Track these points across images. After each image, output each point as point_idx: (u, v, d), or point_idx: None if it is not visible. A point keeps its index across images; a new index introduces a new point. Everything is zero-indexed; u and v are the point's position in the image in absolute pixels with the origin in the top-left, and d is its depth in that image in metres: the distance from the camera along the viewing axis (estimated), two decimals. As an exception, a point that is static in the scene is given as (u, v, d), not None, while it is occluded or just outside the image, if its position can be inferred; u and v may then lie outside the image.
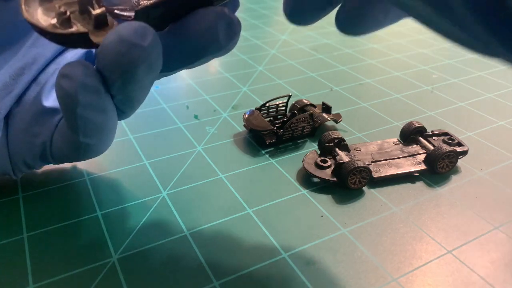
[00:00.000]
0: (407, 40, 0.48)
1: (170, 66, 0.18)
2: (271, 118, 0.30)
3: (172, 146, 0.28)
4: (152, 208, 0.22)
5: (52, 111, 0.20)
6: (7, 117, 0.20)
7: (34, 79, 0.20)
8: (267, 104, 0.29)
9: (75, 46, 0.16)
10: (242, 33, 0.50)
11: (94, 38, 0.15)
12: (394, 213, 0.22)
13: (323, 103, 0.30)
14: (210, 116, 0.32)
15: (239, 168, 0.26)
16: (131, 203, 0.23)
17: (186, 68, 0.19)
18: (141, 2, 0.17)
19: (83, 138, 0.18)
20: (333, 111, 0.31)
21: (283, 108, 0.30)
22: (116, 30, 0.15)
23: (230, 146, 0.28)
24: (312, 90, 0.36)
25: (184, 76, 0.38)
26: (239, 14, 0.57)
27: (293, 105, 0.30)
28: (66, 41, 0.15)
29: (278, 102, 0.30)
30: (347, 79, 0.38)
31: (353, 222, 0.22)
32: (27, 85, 0.20)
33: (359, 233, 0.21)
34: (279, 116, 0.30)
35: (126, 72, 0.16)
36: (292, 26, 0.52)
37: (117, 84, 0.16)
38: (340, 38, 0.48)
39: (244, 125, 0.29)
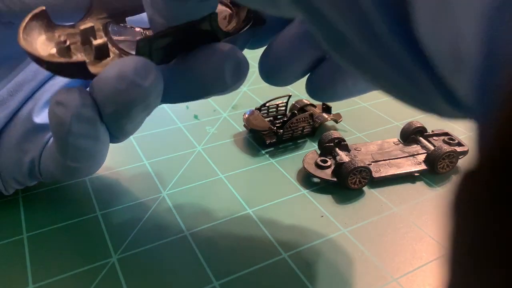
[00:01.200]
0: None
1: (171, 99, 0.17)
2: (271, 118, 0.30)
3: (172, 146, 0.28)
4: (152, 208, 0.22)
5: (43, 128, 0.19)
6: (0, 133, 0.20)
7: (31, 96, 0.20)
8: (267, 104, 0.29)
9: (72, 76, 0.15)
10: (242, 33, 0.50)
11: (93, 69, 0.15)
12: (394, 213, 0.22)
13: (323, 103, 0.30)
14: (210, 116, 0.31)
15: (239, 168, 0.26)
16: (131, 203, 0.23)
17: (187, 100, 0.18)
18: (147, 33, 0.17)
19: (71, 162, 0.17)
20: (333, 111, 0.31)
21: (283, 108, 0.30)
22: (116, 64, 0.14)
23: (230, 146, 0.28)
24: (312, 90, 0.36)
25: (184, 76, 0.38)
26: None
27: (293, 105, 0.30)
28: (63, 70, 0.15)
29: (278, 102, 0.30)
30: (347, 79, 0.38)
31: (353, 222, 0.22)
32: (23, 101, 0.20)
33: (359, 233, 0.21)
34: (279, 116, 0.30)
35: (121, 110, 0.15)
36: (292, 26, 0.52)
37: (111, 118, 0.16)
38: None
39: (244, 125, 0.29)
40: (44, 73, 0.20)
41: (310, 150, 0.27)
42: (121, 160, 0.26)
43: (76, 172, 0.18)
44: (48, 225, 0.21)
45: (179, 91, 0.17)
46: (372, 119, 0.31)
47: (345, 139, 0.26)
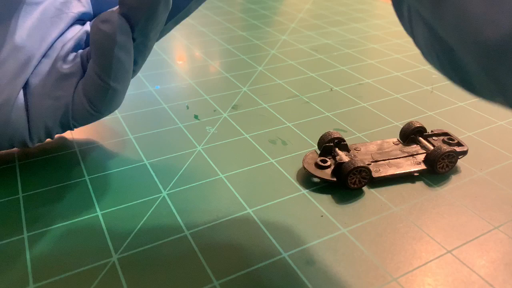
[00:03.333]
0: (407, 40, 0.48)
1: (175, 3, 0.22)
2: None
3: (172, 146, 0.28)
4: (152, 208, 0.22)
5: (69, 75, 0.23)
6: (25, 87, 0.22)
7: (45, 55, 0.23)
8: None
9: None
10: (242, 33, 0.50)
11: None
12: (394, 213, 0.22)
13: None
14: (210, 116, 0.32)
15: (239, 168, 0.26)
16: (131, 203, 0.23)
17: (176, 21, 0.23)
18: None
19: (113, 81, 0.21)
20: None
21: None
22: None
23: (230, 146, 0.28)
24: (312, 90, 0.36)
25: (184, 76, 0.38)
26: (239, 13, 0.57)
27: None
28: None
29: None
30: (347, 79, 0.38)
31: (353, 222, 0.22)
32: (40, 58, 0.23)
33: (359, 233, 0.21)
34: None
35: (151, 8, 0.19)
36: (292, 26, 0.52)
37: (140, 23, 0.20)
38: (340, 38, 0.48)
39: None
40: (50, 34, 0.23)
41: (310, 150, 0.27)
42: (121, 160, 0.26)
43: (114, 94, 0.22)
44: (48, 225, 0.21)
45: None
46: (371, 119, 0.31)
47: (345, 139, 0.26)
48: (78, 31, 0.24)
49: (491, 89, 0.10)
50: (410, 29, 0.13)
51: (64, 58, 0.23)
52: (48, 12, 0.23)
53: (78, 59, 0.23)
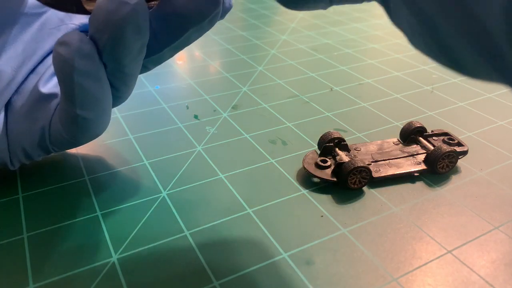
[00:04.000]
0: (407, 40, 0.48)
1: (158, 42, 0.19)
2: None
3: (172, 146, 0.28)
4: (152, 208, 0.22)
5: (49, 96, 0.21)
6: (6, 105, 0.21)
7: (33, 70, 0.21)
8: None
9: (67, 10, 0.18)
10: (242, 33, 0.50)
11: (87, 6, 0.18)
12: (394, 213, 0.22)
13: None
14: (210, 116, 0.32)
15: (239, 168, 0.26)
16: (131, 203, 0.23)
17: (173, 49, 0.20)
18: None
19: (80, 110, 0.19)
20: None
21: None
22: None
23: (230, 146, 0.28)
24: (312, 90, 0.36)
25: (184, 76, 0.38)
26: (239, 13, 0.57)
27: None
28: (60, 4, 0.17)
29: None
30: (347, 79, 0.38)
31: (353, 222, 0.22)
32: (26, 75, 0.21)
33: (359, 233, 0.21)
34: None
35: (116, 30, 0.17)
36: (292, 26, 0.52)
37: (107, 47, 0.18)
38: (340, 38, 0.48)
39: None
40: (43, 48, 0.21)
41: (310, 150, 0.27)
42: (121, 160, 0.26)
43: (86, 124, 0.20)
44: (48, 225, 0.21)
45: (163, 30, 0.19)
46: (372, 119, 0.31)
47: (345, 139, 0.26)
48: None
49: (486, 66, 0.10)
50: (395, 15, 0.13)
51: (49, 77, 0.21)
52: (49, 23, 0.22)
53: None
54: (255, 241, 0.20)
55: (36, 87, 0.21)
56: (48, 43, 0.22)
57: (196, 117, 0.31)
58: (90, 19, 0.17)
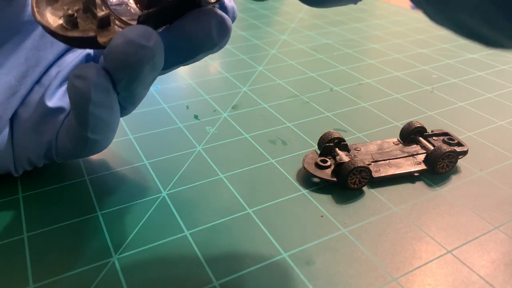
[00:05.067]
0: (407, 40, 0.48)
1: (168, 63, 0.19)
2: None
3: (172, 146, 0.28)
4: (152, 208, 0.22)
5: (56, 110, 0.21)
6: (12, 118, 0.21)
7: (38, 81, 0.21)
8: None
9: (81, 46, 0.18)
10: (242, 33, 0.50)
11: (100, 39, 0.17)
12: (394, 213, 0.22)
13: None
14: (210, 116, 0.32)
15: (239, 168, 0.26)
16: (131, 203, 0.23)
17: (182, 65, 0.20)
18: (134, 7, 0.19)
19: (91, 134, 0.19)
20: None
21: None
22: (123, 33, 0.16)
23: (230, 146, 0.28)
24: (312, 90, 0.36)
25: (184, 76, 0.38)
26: (239, 13, 0.57)
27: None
28: (75, 42, 0.17)
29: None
30: (347, 79, 0.38)
31: (353, 222, 0.22)
32: (31, 86, 0.21)
33: (359, 233, 0.21)
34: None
35: (132, 71, 0.17)
36: (292, 26, 0.52)
37: (123, 82, 0.18)
38: (340, 38, 0.48)
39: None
40: (46, 58, 0.21)
41: (310, 150, 0.27)
42: (121, 160, 0.26)
43: (94, 145, 0.20)
44: (48, 225, 0.21)
45: (174, 53, 0.19)
46: (371, 119, 0.31)
47: (345, 139, 0.26)
48: (78, 54, 0.23)
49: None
50: None
51: (55, 90, 0.21)
52: None
53: None
54: (255, 241, 0.20)
55: (42, 100, 0.21)
56: (51, 53, 0.22)
57: (196, 117, 0.31)
58: (105, 54, 0.17)
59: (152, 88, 0.36)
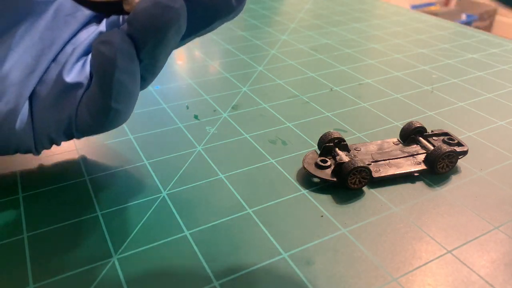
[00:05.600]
0: (407, 40, 0.48)
1: (186, 32, 0.20)
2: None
3: (172, 146, 0.28)
4: (152, 208, 0.22)
5: (74, 86, 0.21)
6: (31, 96, 0.21)
7: (54, 59, 0.22)
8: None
9: (108, 12, 0.19)
10: (242, 33, 0.50)
11: (125, 7, 0.18)
12: (394, 213, 0.22)
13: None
14: (210, 116, 0.32)
15: (239, 168, 0.26)
16: (131, 203, 0.23)
17: (197, 36, 0.21)
18: None
19: (114, 103, 0.20)
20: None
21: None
22: None
23: (230, 146, 0.28)
24: (312, 90, 0.36)
25: (184, 76, 0.38)
26: (239, 14, 0.57)
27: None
28: (101, 7, 0.18)
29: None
30: (347, 79, 0.38)
31: (353, 222, 0.22)
32: (48, 65, 0.21)
33: (359, 233, 0.21)
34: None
35: (158, 34, 0.18)
36: (292, 26, 0.52)
37: (147, 47, 0.18)
38: (340, 38, 0.48)
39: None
40: (61, 37, 0.22)
41: (310, 150, 0.27)
42: (121, 160, 0.26)
43: (116, 116, 0.21)
44: (48, 225, 0.21)
45: (193, 20, 0.19)
46: (371, 119, 0.31)
47: (345, 139, 0.26)
48: (92, 32, 0.23)
49: None
50: None
51: (72, 66, 0.22)
52: (63, 9, 0.21)
53: (87, 68, 0.22)
54: (255, 241, 0.20)
55: (59, 77, 0.21)
56: (66, 32, 0.22)
57: (196, 117, 0.31)
58: (130, 19, 0.18)
59: (152, 88, 0.36)
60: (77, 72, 0.22)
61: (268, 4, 0.62)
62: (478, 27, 1.44)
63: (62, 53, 0.22)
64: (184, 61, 0.42)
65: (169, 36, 0.18)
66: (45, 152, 0.27)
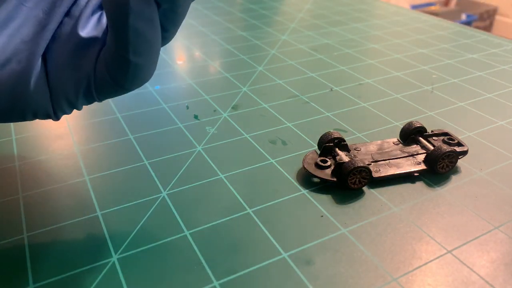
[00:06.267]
0: (407, 40, 0.48)
1: None
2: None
3: (172, 146, 0.28)
4: (152, 208, 0.22)
5: (91, 41, 0.20)
6: (45, 55, 0.20)
7: (67, 13, 0.20)
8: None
9: None
10: (242, 33, 0.50)
11: None
12: (394, 213, 0.22)
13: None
14: (210, 116, 0.32)
15: (239, 168, 0.26)
16: (131, 203, 0.23)
17: None
18: None
19: (133, 56, 0.18)
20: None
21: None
22: None
23: (230, 146, 0.28)
24: (312, 90, 0.36)
25: (184, 76, 0.38)
26: (239, 14, 0.57)
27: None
28: None
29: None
30: (347, 79, 0.38)
31: (353, 222, 0.22)
32: (60, 19, 0.20)
33: (359, 233, 0.21)
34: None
35: None
36: (292, 26, 0.52)
37: None
38: (340, 38, 0.48)
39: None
40: None
41: (310, 150, 0.27)
42: (121, 160, 0.26)
43: (136, 71, 0.19)
44: (48, 225, 0.21)
45: None
46: (371, 119, 0.31)
47: (345, 139, 0.26)
48: None
49: None
50: None
51: (87, 20, 0.20)
52: None
53: (104, 21, 0.20)
54: (255, 241, 0.20)
55: (74, 31, 0.19)
56: None
57: (196, 117, 0.31)
58: None
59: (152, 88, 0.36)
60: (93, 26, 0.20)
61: (268, 4, 0.62)
62: (478, 27, 1.44)
63: (76, 6, 0.20)
64: (184, 61, 0.42)
65: None
66: (45, 152, 0.27)
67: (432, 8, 1.90)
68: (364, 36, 0.49)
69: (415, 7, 1.88)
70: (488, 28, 1.97)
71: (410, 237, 0.21)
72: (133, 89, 0.21)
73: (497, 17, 2.00)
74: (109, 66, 0.19)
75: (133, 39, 0.17)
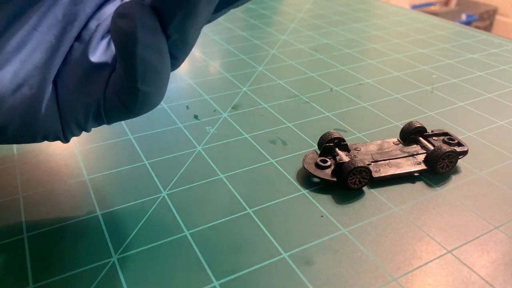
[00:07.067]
0: (407, 40, 0.48)
1: (219, 3, 0.18)
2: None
3: (172, 146, 0.28)
4: (152, 208, 0.22)
5: (100, 66, 0.20)
6: (56, 79, 0.20)
7: (77, 38, 0.20)
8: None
9: None
10: (242, 33, 0.50)
11: None
12: (394, 213, 0.22)
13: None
14: (210, 116, 0.32)
15: (239, 168, 0.26)
16: (131, 203, 0.23)
17: (235, 5, 0.19)
18: None
19: (141, 84, 0.18)
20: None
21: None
22: None
23: (230, 146, 0.28)
24: (312, 90, 0.36)
25: (184, 76, 0.38)
26: (239, 14, 0.57)
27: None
28: None
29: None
30: (347, 79, 0.38)
31: (353, 222, 0.22)
32: (71, 43, 0.20)
33: (359, 233, 0.21)
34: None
35: (188, 3, 0.16)
36: (292, 26, 0.52)
37: (177, 19, 0.16)
38: (340, 38, 0.48)
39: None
40: (84, 11, 0.20)
41: (310, 150, 0.27)
42: (121, 160, 0.26)
43: (145, 99, 0.19)
44: (48, 225, 0.21)
45: None
46: (372, 119, 0.31)
47: (345, 139, 0.26)
48: (118, 5, 0.21)
49: None
50: None
51: (97, 44, 0.20)
52: None
53: (113, 46, 0.19)
54: (255, 241, 0.20)
55: (84, 56, 0.19)
56: (88, 6, 0.20)
57: (196, 117, 0.31)
58: None
59: (152, 88, 0.36)
60: (102, 51, 0.20)
61: (268, 4, 0.62)
62: (478, 27, 1.44)
63: (86, 30, 0.20)
64: (184, 61, 0.42)
65: (200, 6, 0.16)
66: (45, 152, 0.27)
67: (432, 8, 1.90)
68: (364, 36, 0.49)
69: (415, 7, 1.88)
70: (488, 28, 1.97)
71: (410, 237, 0.21)
72: (143, 114, 0.21)
73: (497, 17, 2.00)
74: (119, 92, 0.19)
75: (141, 69, 0.17)
